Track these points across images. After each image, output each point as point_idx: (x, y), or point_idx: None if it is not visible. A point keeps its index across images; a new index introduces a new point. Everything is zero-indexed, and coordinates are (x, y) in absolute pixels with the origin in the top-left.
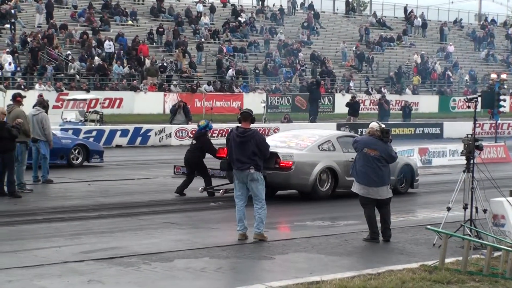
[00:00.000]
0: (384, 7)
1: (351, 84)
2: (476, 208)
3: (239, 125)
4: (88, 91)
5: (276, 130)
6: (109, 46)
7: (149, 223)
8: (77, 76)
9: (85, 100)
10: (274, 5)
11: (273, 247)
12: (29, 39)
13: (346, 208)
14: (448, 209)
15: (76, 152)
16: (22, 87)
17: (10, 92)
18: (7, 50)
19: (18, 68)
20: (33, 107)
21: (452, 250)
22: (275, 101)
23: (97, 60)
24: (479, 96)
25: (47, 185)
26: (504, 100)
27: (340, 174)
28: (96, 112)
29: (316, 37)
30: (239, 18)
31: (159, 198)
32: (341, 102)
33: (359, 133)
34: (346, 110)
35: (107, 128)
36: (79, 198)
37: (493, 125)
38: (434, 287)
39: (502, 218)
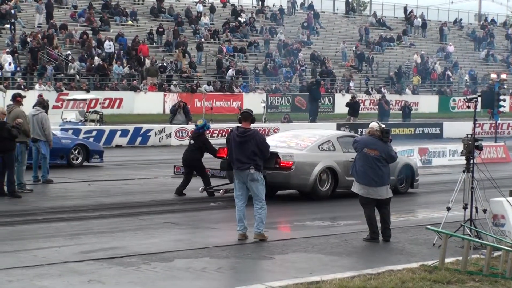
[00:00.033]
0: (384, 7)
1: (351, 84)
2: (476, 208)
3: (239, 125)
4: (88, 91)
5: (276, 130)
6: (109, 46)
7: (149, 223)
8: (77, 76)
9: (85, 100)
10: (274, 5)
11: (273, 247)
12: (29, 39)
13: (346, 208)
14: (448, 209)
15: (76, 152)
16: (22, 87)
17: (10, 92)
18: (7, 50)
19: (18, 68)
20: (33, 107)
21: (452, 250)
22: (275, 101)
23: (97, 60)
24: (479, 96)
25: (47, 185)
26: (504, 100)
27: (340, 174)
28: (96, 112)
29: (316, 37)
30: (239, 18)
31: (159, 198)
32: (341, 102)
33: (359, 133)
34: (346, 110)
35: (107, 128)
36: (79, 198)
37: (493, 125)
38: (434, 287)
39: (502, 218)
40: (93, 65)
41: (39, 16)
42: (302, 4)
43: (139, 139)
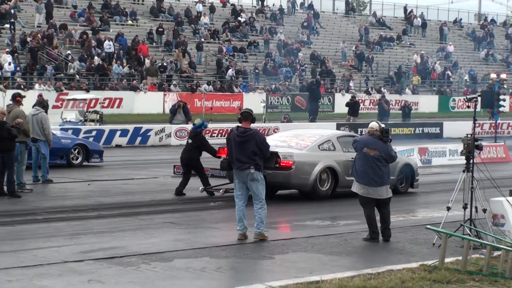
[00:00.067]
0: (383, 7)
1: (351, 84)
2: (476, 207)
3: (240, 124)
4: (87, 91)
5: (276, 130)
6: (108, 46)
7: (148, 223)
8: (77, 76)
9: (84, 100)
10: (274, 5)
11: (273, 246)
12: (28, 39)
13: (345, 207)
14: (448, 208)
15: (76, 152)
16: (22, 87)
17: (10, 92)
18: (7, 50)
19: (18, 68)
20: (33, 107)
21: (452, 250)
22: (275, 101)
23: (96, 60)
24: (478, 95)
25: (47, 185)
26: (504, 100)
27: (340, 173)
28: (96, 112)
29: (316, 37)
30: (239, 18)
31: (158, 198)
32: (341, 102)
33: (358, 133)
34: (346, 110)
35: (107, 128)
36: (78, 198)
37: (493, 124)
38: (434, 287)
39: (501, 218)
40: (93, 65)
41: (39, 16)
42: (302, 4)
43: (139, 139)
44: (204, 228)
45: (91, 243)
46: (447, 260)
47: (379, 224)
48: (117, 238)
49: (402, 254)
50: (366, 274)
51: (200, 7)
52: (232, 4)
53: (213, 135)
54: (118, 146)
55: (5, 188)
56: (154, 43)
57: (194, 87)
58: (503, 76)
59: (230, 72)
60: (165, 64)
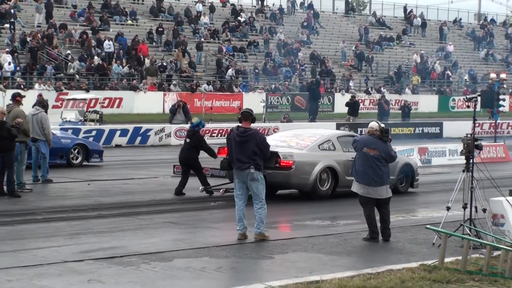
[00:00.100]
0: (383, 6)
1: (351, 83)
2: (476, 207)
3: (240, 124)
4: (87, 90)
5: (275, 130)
6: (108, 45)
7: (148, 222)
8: (77, 76)
9: (84, 99)
10: (273, 4)
11: (273, 246)
12: (28, 39)
13: (345, 207)
14: (448, 208)
15: (75, 151)
16: (22, 86)
17: (10, 92)
18: (7, 49)
19: (18, 68)
20: (33, 106)
21: (452, 250)
22: (274, 101)
23: (96, 59)
24: (478, 95)
25: (47, 184)
26: (504, 100)
27: (340, 173)
28: (96, 112)
29: (315, 36)
30: (239, 18)
31: (158, 198)
32: (340, 102)
33: (358, 133)
34: (345, 109)
35: (107, 127)
36: (78, 198)
37: (493, 124)
38: (434, 287)
39: (501, 218)
40: (92, 65)
41: (39, 15)
42: (302, 4)
43: (138, 138)
44: (204, 228)
45: (91, 243)
46: (447, 260)
47: (379, 224)
48: (117, 238)
49: (402, 254)
50: (366, 274)
51: (200, 7)
52: (232, 4)
53: (213, 135)
54: (118, 146)
55: (5, 188)
56: (154, 43)
57: (194, 87)
58: (503, 76)
59: (230, 72)
60: (165, 64)
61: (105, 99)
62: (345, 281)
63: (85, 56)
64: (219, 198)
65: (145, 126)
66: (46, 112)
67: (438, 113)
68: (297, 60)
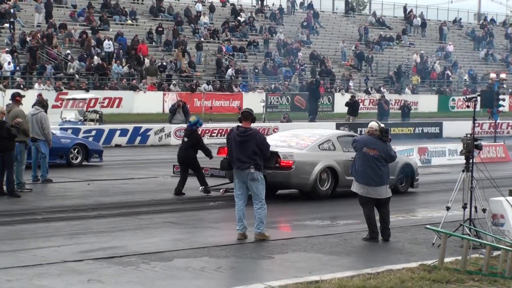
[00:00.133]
0: (383, 6)
1: (351, 83)
2: (475, 207)
3: (240, 124)
4: (87, 90)
5: (275, 130)
6: (108, 45)
7: (148, 222)
8: (77, 76)
9: (84, 99)
10: (273, 4)
11: (273, 246)
12: (28, 39)
13: (345, 207)
14: (448, 208)
15: (75, 151)
16: (22, 86)
17: (10, 92)
18: (6, 49)
19: (18, 68)
20: (32, 106)
21: (452, 250)
22: (274, 101)
23: (96, 59)
24: (478, 95)
25: (47, 184)
26: (503, 100)
27: (340, 173)
28: (96, 112)
29: (315, 36)
30: (239, 18)
31: (158, 198)
32: (340, 102)
33: (358, 133)
34: (345, 109)
35: (107, 127)
36: (78, 198)
37: (492, 124)
38: (433, 287)
39: (501, 218)
40: (92, 65)
41: (39, 15)
42: (302, 4)
43: (138, 138)
44: (204, 227)
45: (90, 243)
46: (446, 260)
47: (378, 224)
48: (117, 238)
49: (402, 254)
50: (366, 274)
51: (199, 6)
52: (232, 4)
53: (213, 134)
54: (117, 145)
55: (4, 187)
56: (153, 43)
57: (194, 87)
58: (503, 75)
59: (230, 71)
60: (164, 63)
61: (104, 99)
62: (345, 281)
63: (85, 56)
64: (218, 198)
65: (144, 126)
66: (45, 112)
67: (438, 113)
68: (297, 60)
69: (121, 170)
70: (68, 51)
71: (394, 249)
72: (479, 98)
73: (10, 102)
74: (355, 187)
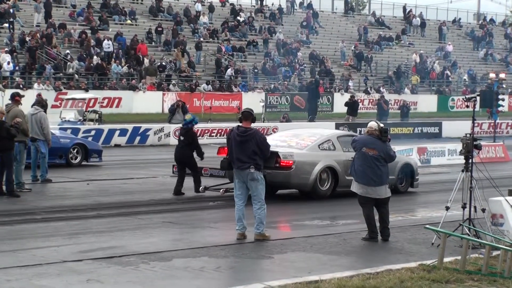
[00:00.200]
0: (383, 6)
1: (350, 83)
2: (475, 207)
3: (240, 124)
4: (87, 90)
5: (275, 130)
6: (108, 45)
7: (147, 222)
8: (76, 76)
9: (84, 99)
10: (273, 4)
11: (272, 246)
12: (27, 38)
13: (345, 207)
14: (447, 208)
15: (75, 151)
16: (21, 86)
17: (9, 92)
18: (6, 49)
19: (17, 68)
20: (32, 106)
21: (451, 250)
22: (274, 101)
23: (96, 59)
24: (477, 95)
25: (46, 184)
26: (503, 100)
27: (340, 173)
28: (95, 112)
29: (315, 36)
30: (238, 18)
31: (158, 198)
32: (340, 102)
33: (358, 133)
34: (345, 109)
35: (106, 127)
36: (77, 198)
37: (492, 124)
38: (433, 287)
39: (500, 218)
40: (92, 64)
41: (38, 15)
42: (301, 4)
43: (138, 138)
44: (203, 227)
45: (90, 243)
46: (446, 259)
47: (378, 224)
48: (116, 238)
49: (401, 254)
50: (365, 274)
51: (199, 6)
52: (231, 4)
53: (212, 134)
54: (117, 145)
55: (4, 187)
56: (153, 43)
57: (193, 87)
58: (502, 75)
59: (229, 71)
60: (164, 63)
61: (104, 98)
62: (344, 281)
63: (84, 55)
64: (218, 198)
65: (144, 126)
66: (45, 111)
67: (437, 113)
68: (296, 60)
69: (120, 170)
70: (68, 51)
71: (394, 249)
72: (478, 98)
73: (10, 102)
74: (355, 187)
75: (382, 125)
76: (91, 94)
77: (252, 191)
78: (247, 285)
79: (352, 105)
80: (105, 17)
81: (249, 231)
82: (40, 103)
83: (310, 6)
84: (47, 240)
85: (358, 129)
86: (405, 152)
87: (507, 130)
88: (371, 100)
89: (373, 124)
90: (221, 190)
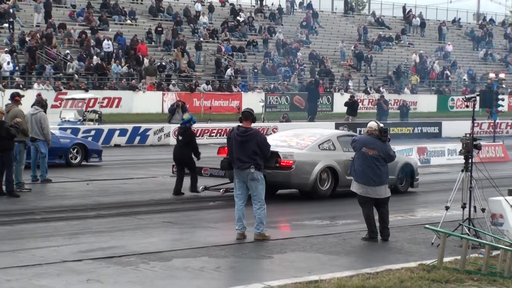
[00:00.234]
0: (382, 6)
1: (350, 83)
2: (475, 207)
3: (240, 124)
4: (86, 90)
5: (274, 130)
6: (107, 45)
7: (147, 222)
8: (76, 76)
9: (83, 99)
10: (272, 4)
11: (272, 246)
12: (27, 39)
13: (345, 207)
14: (447, 208)
15: (74, 151)
16: (21, 86)
17: (9, 92)
18: (6, 49)
19: (17, 68)
20: (32, 106)
21: (451, 249)
22: (273, 101)
23: (95, 59)
24: (477, 95)
25: (46, 184)
26: (503, 99)
27: (341, 173)
28: (95, 112)
29: (314, 36)
30: (238, 18)
31: (157, 198)
32: (339, 102)
33: (357, 133)
34: (344, 109)
35: (106, 127)
36: (77, 198)
37: (492, 124)
38: (433, 286)
39: (500, 217)
40: (91, 65)
41: (38, 15)
42: (301, 4)
43: (137, 138)
44: (203, 227)
45: (89, 243)
46: (445, 259)
47: (378, 224)
48: (116, 238)
49: (401, 254)
50: (365, 274)
51: (199, 6)
52: (231, 4)
53: (212, 134)
54: (117, 145)
55: (3, 187)
56: (153, 43)
57: (193, 87)
58: (502, 75)
59: (229, 71)
60: (164, 63)
61: (104, 98)
62: (344, 280)
63: (84, 55)
64: (218, 198)
65: (144, 126)
66: (45, 111)
67: (437, 112)
68: (296, 60)
69: (120, 170)
70: (68, 51)
71: (393, 249)
72: (478, 98)
73: (10, 102)
74: (354, 187)
75: (382, 125)
76: (91, 94)
77: (252, 191)
78: (247, 285)
79: (352, 105)
80: (105, 17)
81: (249, 231)
82: (40, 103)
83: (310, 6)
84: (47, 240)
85: (358, 129)
86: (405, 152)
87: (506, 130)
88: (371, 100)
89: (373, 124)
90: (221, 190)
